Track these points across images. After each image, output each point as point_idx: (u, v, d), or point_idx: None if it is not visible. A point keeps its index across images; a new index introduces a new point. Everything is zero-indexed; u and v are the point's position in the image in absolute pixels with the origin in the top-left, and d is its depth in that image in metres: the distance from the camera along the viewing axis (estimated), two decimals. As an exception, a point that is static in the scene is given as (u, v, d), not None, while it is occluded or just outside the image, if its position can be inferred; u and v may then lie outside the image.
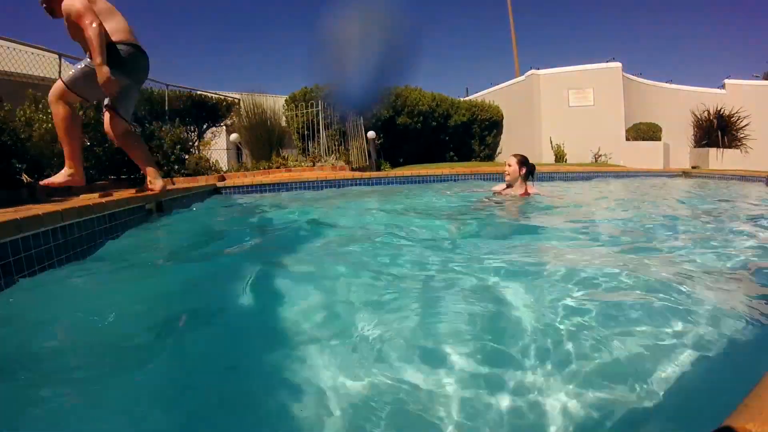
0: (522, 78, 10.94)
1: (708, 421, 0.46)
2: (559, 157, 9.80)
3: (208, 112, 8.19)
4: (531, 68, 10.53)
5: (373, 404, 0.85)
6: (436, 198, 4.42)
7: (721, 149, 9.96)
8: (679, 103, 10.68)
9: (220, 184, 5.41)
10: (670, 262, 1.65)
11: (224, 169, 7.81)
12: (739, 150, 10.07)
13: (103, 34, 2.57)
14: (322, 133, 7.83)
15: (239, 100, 8.44)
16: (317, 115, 7.87)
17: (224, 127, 9.11)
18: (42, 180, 2.77)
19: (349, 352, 1.05)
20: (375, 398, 0.87)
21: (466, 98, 12.07)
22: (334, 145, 7.78)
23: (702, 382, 0.92)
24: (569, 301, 1.26)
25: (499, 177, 6.73)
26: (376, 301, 1.35)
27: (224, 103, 8.48)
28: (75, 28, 2.60)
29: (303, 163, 7.38)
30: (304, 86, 8.65)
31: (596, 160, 9.63)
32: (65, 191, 2.94)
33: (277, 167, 7.02)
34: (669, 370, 0.94)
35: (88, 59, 2.65)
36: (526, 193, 3.41)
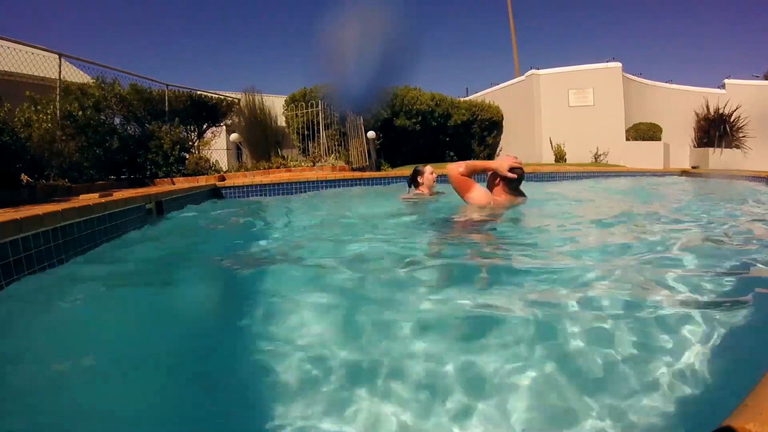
0: (522, 78, 10.94)
1: (708, 421, 0.46)
2: (559, 157, 9.80)
3: (208, 112, 8.18)
4: (531, 68, 10.54)
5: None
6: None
7: (721, 149, 9.96)
8: (679, 103, 10.68)
9: (219, 184, 5.41)
10: (669, 263, 1.64)
11: (224, 169, 7.81)
12: (739, 150, 10.07)
13: None
14: (322, 133, 7.83)
15: (239, 100, 8.44)
16: (317, 115, 7.88)
17: (224, 127, 9.10)
18: (41, 180, 2.77)
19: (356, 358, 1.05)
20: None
21: (466, 98, 12.08)
22: (334, 145, 7.78)
23: (702, 382, 0.92)
24: (567, 300, 1.25)
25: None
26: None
27: (224, 103, 8.47)
28: None
29: (303, 163, 7.38)
30: (304, 87, 8.66)
31: (596, 160, 9.63)
32: (65, 191, 2.94)
33: (277, 167, 7.01)
34: (669, 371, 0.94)
35: None
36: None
